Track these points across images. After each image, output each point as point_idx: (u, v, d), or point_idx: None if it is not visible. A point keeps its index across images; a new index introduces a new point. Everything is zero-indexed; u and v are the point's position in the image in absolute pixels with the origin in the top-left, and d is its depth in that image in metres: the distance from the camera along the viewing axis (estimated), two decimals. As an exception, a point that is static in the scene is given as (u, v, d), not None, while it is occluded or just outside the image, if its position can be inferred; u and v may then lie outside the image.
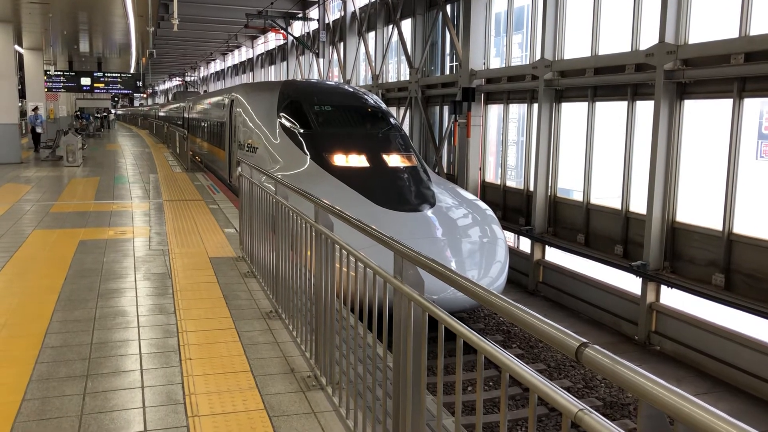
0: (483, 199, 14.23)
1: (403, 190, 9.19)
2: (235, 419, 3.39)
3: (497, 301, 1.94)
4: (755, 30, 8.38)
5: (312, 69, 29.74)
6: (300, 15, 28.22)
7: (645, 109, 10.18)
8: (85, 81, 28.90)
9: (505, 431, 1.89)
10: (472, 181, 15.14)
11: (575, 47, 12.03)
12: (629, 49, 10.47)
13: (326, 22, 26.71)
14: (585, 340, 1.55)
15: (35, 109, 22.54)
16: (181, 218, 9.47)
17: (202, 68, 59.68)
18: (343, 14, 24.86)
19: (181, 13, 16.62)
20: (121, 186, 13.26)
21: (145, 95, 68.29)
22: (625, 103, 10.59)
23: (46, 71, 26.24)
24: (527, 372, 1.75)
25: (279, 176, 5.26)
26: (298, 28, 30.94)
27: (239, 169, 6.85)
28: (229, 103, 14.41)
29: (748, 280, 8.50)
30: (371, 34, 22.46)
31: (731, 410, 7.51)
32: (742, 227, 8.63)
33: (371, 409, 2.96)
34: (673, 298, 9.56)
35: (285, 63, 34.08)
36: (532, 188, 12.97)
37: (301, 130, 10.66)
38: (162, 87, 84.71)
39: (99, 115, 44.58)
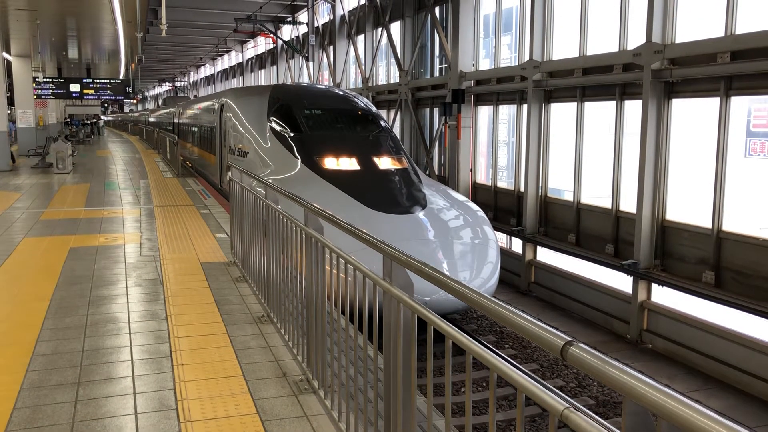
0: (474, 200, 14.27)
1: (394, 193, 9.20)
2: (227, 424, 3.39)
3: (485, 302, 1.96)
4: (741, 29, 8.44)
5: (302, 73, 29.73)
6: (289, 19, 28.21)
7: (633, 108, 10.24)
8: (75, 87, 28.72)
9: (493, 431, 1.91)
10: (463, 182, 15.18)
11: (563, 48, 12.08)
12: (617, 49, 10.53)
13: (315, 25, 26.71)
14: (570, 339, 1.56)
15: None
16: (172, 224, 9.45)
17: (191, 73, 59.55)
18: (332, 17, 24.88)
19: (169, 18, 16.56)
20: (112, 192, 13.21)
21: (135, 101, 68.11)
22: (614, 102, 10.65)
23: (34, 78, 26.08)
24: (514, 372, 1.76)
25: (269, 180, 5.26)
26: (287, 32, 30.93)
27: (230, 173, 6.85)
28: (219, 108, 14.39)
29: (737, 277, 8.55)
30: (360, 37, 22.49)
31: (721, 407, 7.56)
32: (731, 225, 8.69)
33: (363, 410, 2.97)
34: (663, 296, 9.61)
35: (275, 67, 34.07)
36: (522, 189, 13.01)
37: (292, 134, 10.66)
38: (152, 92, 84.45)
39: (88, 121, 44.30)
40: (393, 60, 19.70)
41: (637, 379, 1.35)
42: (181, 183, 14.88)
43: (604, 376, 1.43)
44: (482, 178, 15.45)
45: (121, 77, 36.76)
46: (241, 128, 12.17)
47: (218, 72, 50.06)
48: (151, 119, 41.26)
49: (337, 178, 9.30)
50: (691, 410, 1.21)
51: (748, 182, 8.65)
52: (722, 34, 8.63)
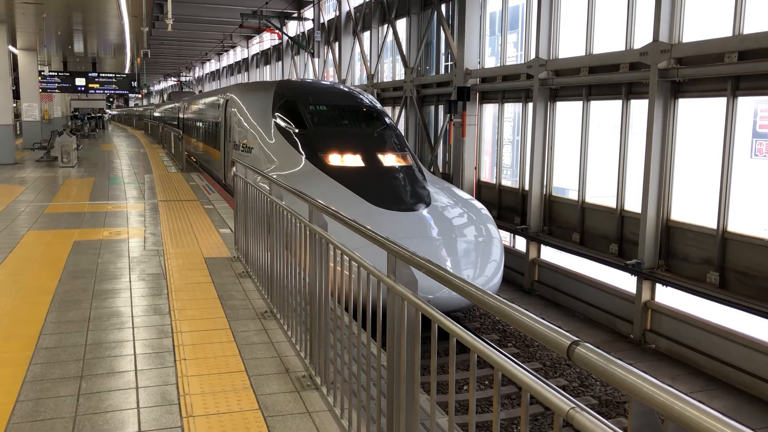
0: (478, 198, 14.23)
1: (399, 190, 9.18)
2: (229, 419, 3.38)
3: (490, 301, 1.95)
4: (749, 29, 8.40)
5: (307, 69, 29.71)
6: (295, 15, 28.18)
7: (639, 107, 10.20)
8: (80, 81, 28.77)
9: (497, 430, 1.90)
10: (467, 180, 15.15)
11: (570, 46, 12.03)
12: (623, 48, 10.48)
13: (321, 21, 26.68)
14: (576, 338, 1.55)
15: None
16: (176, 218, 9.45)
17: (197, 68, 59.55)
18: (338, 14, 24.84)
19: (175, 13, 16.57)
20: (116, 186, 13.23)
21: (140, 96, 68.14)
22: (620, 101, 10.60)
23: (40, 72, 26.10)
24: (519, 371, 1.75)
25: (274, 176, 5.26)
26: (293, 28, 30.89)
27: (234, 169, 6.84)
28: (223, 103, 14.39)
29: (742, 278, 8.52)
30: (366, 34, 22.45)
31: (724, 407, 7.54)
32: (736, 225, 8.65)
33: (365, 408, 2.96)
34: (667, 296, 9.58)
35: (280, 63, 34.04)
36: (527, 187, 12.98)
37: (296, 130, 10.65)
38: (157, 87, 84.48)
39: (93, 115, 44.32)
40: (398, 57, 19.65)
41: (645, 380, 1.34)
42: (186, 178, 14.88)
43: (611, 376, 1.42)
44: (487, 176, 15.42)
45: (126, 72, 36.79)
46: (245, 124, 12.16)
47: (223, 67, 50.06)
48: (156, 114, 41.30)
49: (341, 175, 9.29)
50: (700, 412, 1.20)
51: (754, 183, 8.61)
52: (730, 34, 8.58)
